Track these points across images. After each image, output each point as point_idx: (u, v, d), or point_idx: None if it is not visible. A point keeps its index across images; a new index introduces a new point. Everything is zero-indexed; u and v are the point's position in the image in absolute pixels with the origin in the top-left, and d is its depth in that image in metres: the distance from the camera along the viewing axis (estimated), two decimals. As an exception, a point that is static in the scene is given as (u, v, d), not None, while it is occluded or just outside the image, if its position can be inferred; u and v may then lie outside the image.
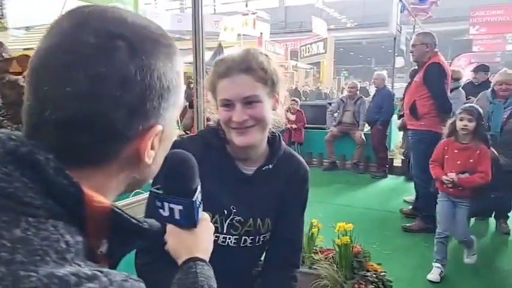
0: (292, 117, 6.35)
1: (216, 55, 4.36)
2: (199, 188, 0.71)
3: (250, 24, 15.26)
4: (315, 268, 2.17)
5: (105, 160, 0.47)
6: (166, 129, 0.52)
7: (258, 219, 1.09)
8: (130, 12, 0.50)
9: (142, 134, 0.48)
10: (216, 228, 1.04)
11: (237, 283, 1.12)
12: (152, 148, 0.50)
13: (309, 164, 6.59)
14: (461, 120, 2.74)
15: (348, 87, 6.48)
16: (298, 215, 1.18)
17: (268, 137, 1.10)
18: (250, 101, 0.98)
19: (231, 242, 1.08)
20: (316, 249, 2.32)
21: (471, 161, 2.72)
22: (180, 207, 0.67)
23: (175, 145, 1.07)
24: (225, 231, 1.07)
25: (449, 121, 2.87)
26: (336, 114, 6.38)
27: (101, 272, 0.39)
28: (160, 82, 0.48)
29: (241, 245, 1.09)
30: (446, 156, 2.81)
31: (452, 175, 2.72)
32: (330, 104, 6.97)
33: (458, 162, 2.75)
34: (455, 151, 2.78)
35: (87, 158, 0.46)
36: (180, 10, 24.07)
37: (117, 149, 0.47)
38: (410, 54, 3.89)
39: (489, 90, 3.63)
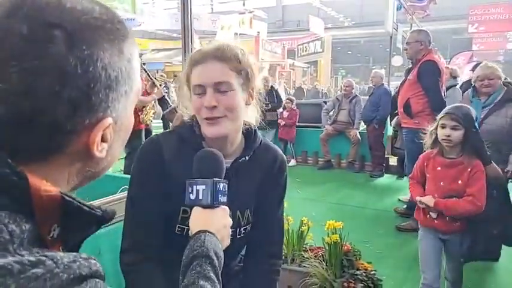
0: (285, 115, 6.33)
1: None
2: (224, 180, 0.85)
3: (247, 23, 15.26)
4: (304, 266, 2.15)
5: (51, 155, 0.45)
6: (120, 120, 0.50)
7: (238, 212, 1.08)
8: None
9: (90, 127, 0.46)
10: None
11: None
12: (104, 140, 0.48)
13: (304, 162, 6.61)
14: (442, 127, 2.00)
15: (344, 86, 6.46)
16: (277, 206, 1.18)
17: (243, 131, 1.10)
18: (223, 89, 0.97)
19: None
20: (306, 247, 2.31)
21: (460, 182, 1.96)
22: (204, 186, 0.81)
23: (150, 141, 1.07)
24: None
25: (430, 127, 2.12)
26: (331, 113, 6.36)
27: (46, 256, 0.38)
28: (106, 73, 0.45)
29: None
30: (427, 175, 2.10)
31: (426, 199, 2.01)
32: (325, 102, 6.95)
33: (442, 183, 2.01)
34: (438, 168, 2.04)
35: (31, 153, 0.44)
36: (178, 9, 24.04)
37: (63, 144, 0.45)
38: (405, 52, 3.87)
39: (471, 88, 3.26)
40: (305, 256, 2.23)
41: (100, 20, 0.46)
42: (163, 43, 21.72)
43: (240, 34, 15.12)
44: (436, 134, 2.05)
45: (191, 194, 0.83)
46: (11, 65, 0.40)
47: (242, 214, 1.09)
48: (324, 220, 2.26)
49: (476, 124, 2.06)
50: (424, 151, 2.17)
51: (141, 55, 4.31)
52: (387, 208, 4.34)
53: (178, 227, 1.04)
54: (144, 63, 4.63)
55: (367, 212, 4.28)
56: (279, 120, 6.42)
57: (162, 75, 7.55)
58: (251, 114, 1.10)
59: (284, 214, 2.25)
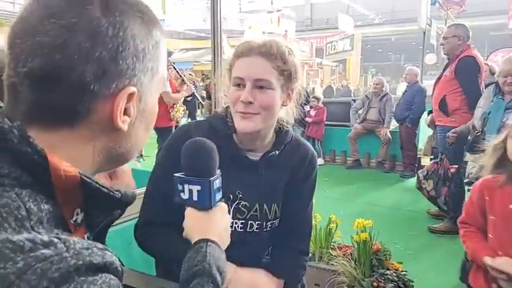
0: (312, 113, 6.27)
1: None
2: (218, 174, 0.75)
3: (274, 22, 15.23)
4: (332, 264, 2.11)
5: (76, 120, 0.45)
6: (145, 98, 0.51)
7: (264, 205, 1.08)
8: None
9: (114, 93, 0.47)
10: None
11: None
12: (127, 114, 0.49)
13: (332, 161, 6.51)
14: None
15: (374, 84, 6.31)
16: (306, 202, 1.17)
17: (275, 128, 1.09)
18: (262, 86, 0.96)
19: (238, 226, 1.07)
20: (334, 245, 2.27)
21: None
22: (198, 187, 0.71)
23: (180, 129, 1.08)
24: (231, 216, 1.05)
25: (495, 140, 1.41)
26: (360, 112, 6.23)
27: (59, 238, 0.38)
28: (134, 42, 0.47)
29: (248, 230, 1.08)
30: (492, 217, 1.36)
31: (501, 262, 1.25)
32: (354, 100, 6.82)
33: None
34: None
35: (57, 117, 0.44)
36: (207, 9, 24.33)
37: (87, 106, 0.45)
38: (441, 47, 3.72)
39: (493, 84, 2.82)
40: (333, 254, 2.19)
41: (134, 0, 0.49)
42: (192, 43, 22.03)
43: (267, 33, 15.08)
44: (505, 150, 1.34)
45: (182, 193, 0.73)
46: (51, 21, 0.43)
47: (269, 208, 1.08)
48: (353, 219, 2.22)
49: None
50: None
51: (170, 54, 4.37)
52: (419, 209, 4.20)
53: None
54: (173, 62, 4.70)
55: (397, 212, 4.16)
56: (306, 118, 6.36)
57: (190, 74, 7.66)
58: (285, 115, 1.08)
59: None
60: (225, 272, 0.69)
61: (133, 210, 1.62)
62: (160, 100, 4.29)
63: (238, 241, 1.05)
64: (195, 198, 0.72)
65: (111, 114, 0.47)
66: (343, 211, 4.00)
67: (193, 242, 0.71)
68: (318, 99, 6.53)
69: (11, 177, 0.40)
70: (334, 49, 19.58)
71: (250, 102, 0.95)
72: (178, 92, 4.74)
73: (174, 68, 4.66)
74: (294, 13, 20.74)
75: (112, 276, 0.41)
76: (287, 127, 1.11)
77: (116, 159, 0.53)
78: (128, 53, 0.47)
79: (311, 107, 6.46)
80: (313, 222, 2.28)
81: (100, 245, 0.42)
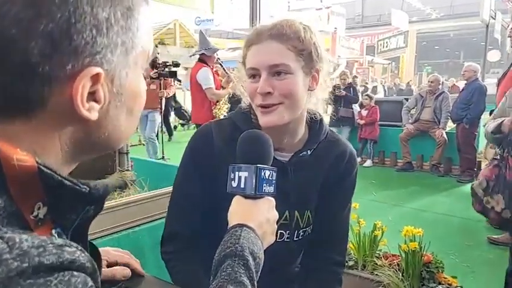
0: (364, 113, 6.01)
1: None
2: (270, 168, 0.73)
3: (324, 20, 14.93)
4: (376, 274, 1.96)
5: (31, 109, 0.38)
6: (119, 79, 0.43)
7: (296, 212, 0.96)
8: None
9: (71, 75, 0.38)
10: None
11: (275, 280, 1.01)
12: (96, 99, 0.41)
13: (381, 163, 6.22)
14: None
15: (428, 81, 5.92)
16: (343, 207, 1.03)
17: (307, 121, 0.97)
18: (278, 71, 0.85)
19: None
20: (379, 254, 2.10)
21: None
22: (246, 173, 0.71)
23: (201, 130, 0.99)
24: None
25: None
26: (412, 111, 5.88)
27: (2, 237, 0.32)
28: (93, 10, 0.38)
29: (278, 239, 0.97)
30: None
31: None
32: (406, 99, 6.45)
33: None
34: None
35: (7, 107, 0.38)
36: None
37: (40, 93, 0.38)
38: (509, 39, 3.37)
39: None
40: (378, 263, 2.03)
41: None
42: (240, 42, 22.25)
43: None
44: None
45: (233, 181, 0.72)
46: None
47: (301, 215, 0.97)
48: (401, 226, 2.04)
49: None
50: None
51: (215, 50, 4.38)
52: (477, 217, 3.83)
53: None
54: (222, 61, 4.71)
55: (453, 220, 3.84)
56: (358, 120, 6.12)
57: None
58: (316, 101, 0.96)
59: (356, 216, 2.10)
60: (260, 259, 0.66)
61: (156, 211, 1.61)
62: (204, 96, 4.31)
63: (266, 251, 0.97)
64: (242, 185, 0.71)
65: (71, 100, 0.39)
66: (391, 216, 3.78)
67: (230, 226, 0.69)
68: (370, 97, 6.27)
69: None
70: (386, 46, 18.86)
71: (269, 93, 0.85)
72: (224, 89, 4.74)
73: (221, 64, 4.67)
74: (344, 10, 20.19)
75: (75, 273, 0.35)
76: (319, 116, 0.99)
77: (92, 149, 0.46)
78: (84, 24, 0.38)
79: (362, 107, 6.21)
80: (357, 228, 2.14)
81: (60, 241, 0.35)
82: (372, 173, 5.62)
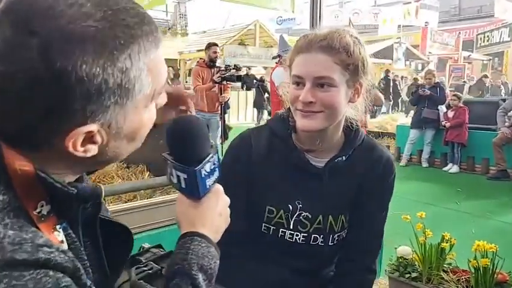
0: (450, 114, 5.55)
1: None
2: (209, 159, 0.64)
3: (412, 14, 13.99)
4: (441, 289, 1.83)
5: (38, 148, 0.46)
6: (118, 124, 0.48)
7: (330, 217, 0.98)
8: None
9: (67, 132, 0.45)
10: (282, 223, 0.98)
11: (310, 283, 1.03)
12: (93, 142, 0.47)
13: (470, 170, 5.67)
14: None
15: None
16: (377, 213, 1.02)
17: (344, 128, 0.98)
18: (322, 83, 0.87)
19: (299, 239, 0.99)
20: (446, 268, 1.96)
21: None
22: (185, 175, 0.63)
23: (240, 139, 1.02)
24: (291, 227, 0.99)
25: None
26: (510, 113, 5.25)
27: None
28: (83, 85, 0.43)
29: (311, 243, 0.99)
30: None
31: None
32: (503, 100, 5.78)
33: None
34: None
35: (20, 143, 0.46)
36: (339, 5, 23.83)
37: (44, 142, 0.46)
38: None
39: None
40: (445, 278, 1.89)
41: (91, 30, 0.43)
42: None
43: (404, 26, 13.96)
44: None
45: (172, 177, 0.65)
46: None
47: (335, 220, 0.98)
48: (486, 241, 1.86)
49: None
50: None
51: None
52: None
53: (264, 226, 0.99)
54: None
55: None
56: (443, 122, 5.68)
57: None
58: (354, 111, 0.97)
59: (421, 226, 1.98)
60: (212, 270, 0.63)
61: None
62: (274, 91, 4.40)
63: (300, 253, 0.99)
64: (183, 185, 0.64)
65: (67, 148, 0.46)
66: (474, 229, 3.45)
67: (181, 232, 0.65)
68: (458, 98, 5.77)
69: None
70: (487, 40, 17.00)
71: (311, 102, 0.88)
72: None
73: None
74: (438, 2, 18.68)
75: (50, 273, 0.41)
76: (357, 125, 0.99)
77: (97, 165, 0.55)
78: (74, 99, 0.43)
79: (448, 108, 5.74)
80: (422, 238, 2.01)
81: (40, 242, 0.42)
82: (458, 180, 5.18)
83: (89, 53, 0.42)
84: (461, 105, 5.66)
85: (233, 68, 4.65)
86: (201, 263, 0.61)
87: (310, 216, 0.97)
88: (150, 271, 0.79)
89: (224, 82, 4.64)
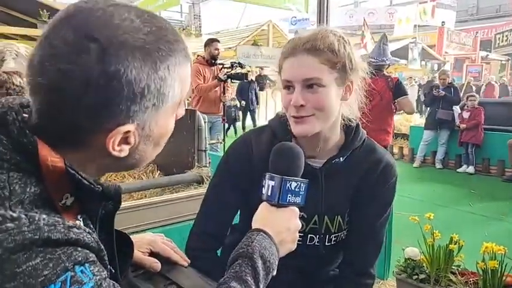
0: (465, 115, 5.46)
1: (380, 47, 4.09)
2: (297, 180, 0.77)
3: (428, 13, 13.77)
4: (449, 291, 1.82)
5: (77, 147, 0.52)
6: (150, 127, 0.55)
7: (325, 217, 0.98)
8: (132, 11, 0.51)
9: (108, 130, 0.50)
10: None
11: (309, 283, 1.04)
12: (127, 143, 0.53)
13: (485, 172, 5.57)
14: None
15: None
16: (375, 217, 1.01)
17: (343, 128, 0.98)
18: (311, 84, 0.88)
19: None
20: (454, 270, 1.94)
21: None
22: (273, 183, 0.76)
23: (241, 141, 1.04)
24: None
25: None
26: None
27: (26, 215, 0.45)
28: (130, 87, 0.49)
29: (308, 243, 1.00)
30: None
31: None
32: (520, 101, 5.67)
33: None
34: None
35: (61, 141, 0.51)
36: (354, 5, 23.63)
37: (85, 140, 0.51)
38: None
39: None
40: (453, 280, 1.88)
41: (140, 41, 0.50)
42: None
43: (420, 26, 13.75)
44: None
45: (263, 188, 0.78)
46: (51, 63, 0.47)
47: (331, 220, 0.99)
48: (499, 243, 1.84)
49: None
50: None
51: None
52: None
53: None
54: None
55: None
56: (458, 124, 5.59)
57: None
58: (348, 109, 0.97)
59: (429, 227, 1.97)
60: (271, 263, 0.70)
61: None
62: None
63: (296, 253, 1.00)
64: (269, 193, 0.77)
65: (105, 146, 0.51)
66: (488, 231, 3.40)
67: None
68: (474, 97, 5.68)
69: (11, 162, 0.48)
70: (506, 40, 16.60)
71: (302, 105, 0.88)
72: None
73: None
74: (455, 1, 18.35)
75: (78, 249, 0.46)
76: (354, 122, 0.99)
77: (122, 168, 0.61)
78: (121, 99, 0.49)
79: (463, 108, 5.65)
80: (430, 240, 2.00)
81: (70, 223, 0.48)
82: (472, 182, 5.09)
83: (138, 60, 0.49)
84: (477, 106, 5.57)
85: (237, 66, 4.26)
86: (263, 252, 0.69)
87: (305, 216, 0.97)
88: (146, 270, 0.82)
89: (229, 80, 4.20)
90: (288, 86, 0.91)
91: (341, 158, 0.97)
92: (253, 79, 9.78)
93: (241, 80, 4.58)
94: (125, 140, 0.53)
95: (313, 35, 0.90)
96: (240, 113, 9.67)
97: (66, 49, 0.47)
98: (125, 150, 0.53)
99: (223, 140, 4.47)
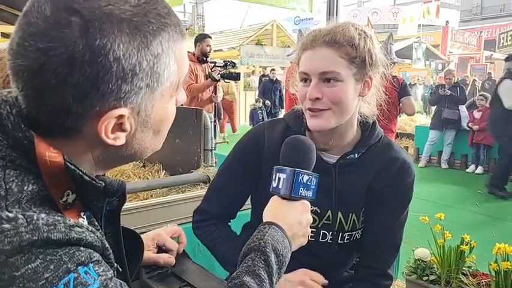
0: (477, 115, 5.41)
1: (386, 46, 4.06)
2: (309, 173, 0.75)
3: (432, 13, 13.72)
4: (461, 293, 1.78)
5: (69, 135, 0.48)
6: (146, 112, 0.50)
7: (339, 213, 0.96)
8: None
9: (100, 114, 0.46)
10: None
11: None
12: (123, 130, 0.49)
13: (493, 172, 5.48)
14: None
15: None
16: (391, 216, 0.99)
17: (360, 124, 0.96)
18: (328, 78, 0.86)
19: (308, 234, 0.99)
20: (466, 271, 1.91)
21: None
22: (284, 175, 0.74)
23: (255, 131, 1.04)
24: None
25: None
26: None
27: (24, 215, 0.42)
28: (119, 64, 0.44)
29: (320, 240, 0.98)
30: None
31: None
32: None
33: None
34: None
35: (52, 130, 0.47)
36: (358, 5, 23.58)
37: (75, 124, 0.47)
38: None
39: None
40: (464, 281, 1.85)
41: (128, 13, 0.45)
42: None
43: (424, 26, 13.68)
44: None
45: (274, 181, 0.76)
46: (30, 43, 0.43)
47: (345, 217, 0.96)
48: (506, 242, 1.81)
49: None
50: None
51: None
52: None
53: None
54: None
55: None
56: (470, 124, 5.55)
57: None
58: (366, 106, 0.95)
59: (440, 227, 1.94)
60: (284, 257, 0.68)
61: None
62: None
63: (308, 250, 0.98)
64: (280, 186, 0.75)
65: (98, 132, 0.47)
66: (495, 231, 3.36)
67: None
68: (486, 98, 5.62)
69: (6, 159, 0.45)
70: (509, 40, 16.52)
71: (318, 98, 0.87)
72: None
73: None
74: (459, 1, 18.29)
75: (81, 249, 0.43)
76: (371, 119, 0.97)
77: (120, 161, 0.56)
78: (110, 77, 0.44)
79: (469, 108, 5.61)
80: (441, 241, 1.97)
81: (72, 222, 0.44)
82: (478, 182, 5.04)
83: (125, 34, 0.44)
84: (488, 106, 5.51)
85: (229, 64, 3.89)
86: (276, 245, 0.67)
87: (318, 210, 0.96)
88: (160, 271, 0.81)
89: (221, 80, 3.82)
90: (305, 78, 0.89)
91: (356, 155, 0.95)
92: (278, 78, 9.00)
93: (236, 80, 4.23)
94: (119, 127, 0.49)
95: (334, 28, 0.87)
96: (265, 113, 8.73)
97: (45, 26, 0.43)
98: (121, 138, 0.49)
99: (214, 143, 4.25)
